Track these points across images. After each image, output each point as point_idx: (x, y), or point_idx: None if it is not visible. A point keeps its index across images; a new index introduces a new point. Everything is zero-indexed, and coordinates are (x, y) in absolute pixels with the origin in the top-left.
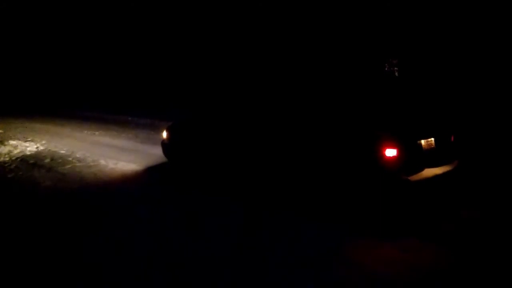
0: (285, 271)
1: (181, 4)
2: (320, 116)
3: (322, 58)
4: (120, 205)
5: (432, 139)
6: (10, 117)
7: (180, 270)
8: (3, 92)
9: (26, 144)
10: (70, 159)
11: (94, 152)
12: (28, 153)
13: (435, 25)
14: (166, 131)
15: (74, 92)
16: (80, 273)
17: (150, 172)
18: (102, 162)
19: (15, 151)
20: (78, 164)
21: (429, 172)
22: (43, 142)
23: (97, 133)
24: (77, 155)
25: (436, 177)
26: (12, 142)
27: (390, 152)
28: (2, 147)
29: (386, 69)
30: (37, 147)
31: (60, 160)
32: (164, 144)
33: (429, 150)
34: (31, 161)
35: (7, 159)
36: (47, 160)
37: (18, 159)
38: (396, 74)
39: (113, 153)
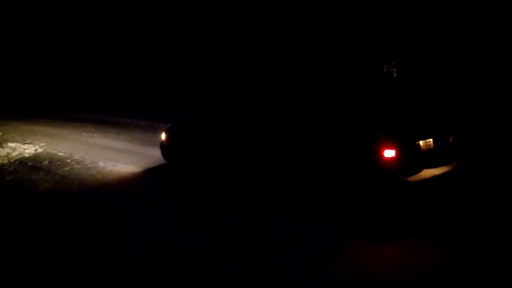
0: (285, 271)
1: (181, 4)
2: (319, 117)
3: (321, 59)
4: (120, 205)
5: (431, 139)
6: (9, 119)
7: (180, 270)
8: (2, 93)
9: (25, 146)
10: (68, 161)
11: (92, 154)
12: (26, 155)
13: (434, 26)
14: (165, 133)
15: (74, 92)
16: (80, 273)
17: (149, 174)
18: (101, 164)
19: (14, 153)
20: (76, 166)
21: (427, 172)
22: (42, 144)
23: (95, 135)
24: (76, 157)
25: (435, 177)
26: (10, 144)
27: (389, 153)
28: (1, 149)
29: (384, 69)
30: (35, 149)
31: (58, 162)
32: (163, 146)
33: (428, 150)
34: (30, 164)
35: (6, 161)
36: (46, 162)
37: (17, 162)
38: (395, 75)
39: (111, 155)
